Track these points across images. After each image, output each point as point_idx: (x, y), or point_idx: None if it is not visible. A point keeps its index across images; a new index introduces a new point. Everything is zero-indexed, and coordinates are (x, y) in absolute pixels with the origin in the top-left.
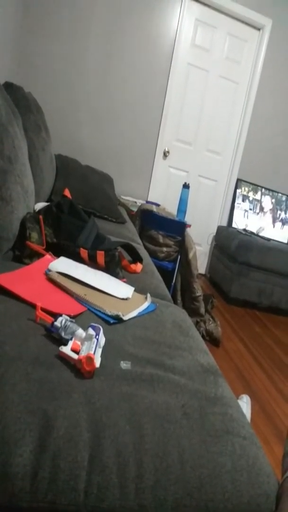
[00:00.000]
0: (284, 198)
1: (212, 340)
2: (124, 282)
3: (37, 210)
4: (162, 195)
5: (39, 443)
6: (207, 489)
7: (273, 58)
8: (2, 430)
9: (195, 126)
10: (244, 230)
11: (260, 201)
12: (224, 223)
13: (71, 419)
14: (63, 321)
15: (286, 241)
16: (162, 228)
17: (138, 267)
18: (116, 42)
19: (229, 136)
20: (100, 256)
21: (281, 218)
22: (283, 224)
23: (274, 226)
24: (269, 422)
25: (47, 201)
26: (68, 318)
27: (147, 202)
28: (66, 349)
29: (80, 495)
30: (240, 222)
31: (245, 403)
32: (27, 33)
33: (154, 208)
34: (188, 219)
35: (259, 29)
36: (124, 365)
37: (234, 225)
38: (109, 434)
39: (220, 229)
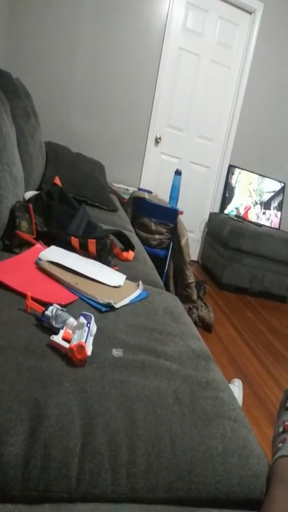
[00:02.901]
0: (272, 183)
1: (204, 326)
2: (116, 270)
3: (26, 198)
4: (154, 182)
5: (31, 432)
6: (198, 472)
7: (265, 42)
8: None
9: (187, 112)
10: (236, 216)
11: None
12: (216, 209)
13: (62, 407)
14: (54, 310)
15: (269, 225)
16: (154, 216)
17: (130, 254)
18: (106, 26)
19: (220, 122)
20: (92, 245)
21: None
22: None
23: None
24: (261, 405)
25: (37, 190)
26: (59, 307)
27: (139, 189)
28: (57, 338)
29: (72, 482)
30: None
31: (236, 387)
32: (15, 17)
33: (146, 195)
34: (180, 206)
35: (250, 13)
36: (116, 352)
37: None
38: (101, 421)
39: (212, 215)
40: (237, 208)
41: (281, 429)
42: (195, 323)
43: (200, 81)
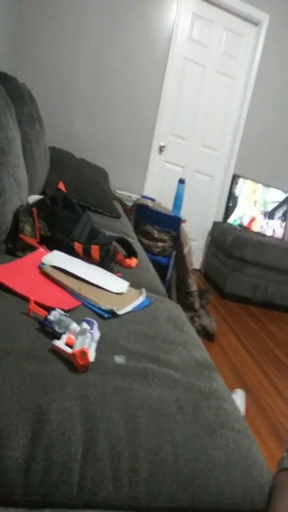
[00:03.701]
0: (276, 193)
1: (206, 335)
2: (119, 276)
3: (30, 202)
4: (158, 190)
5: (32, 436)
6: (200, 482)
7: (270, 54)
8: None
9: (191, 121)
10: (239, 225)
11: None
12: (220, 218)
13: (64, 413)
14: (57, 315)
15: (273, 235)
16: (157, 223)
17: (133, 261)
18: (112, 35)
19: (225, 132)
20: (95, 251)
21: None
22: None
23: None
24: (263, 415)
25: (40, 194)
26: (62, 312)
27: (142, 196)
28: (60, 343)
29: (73, 488)
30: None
31: (239, 397)
32: (22, 23)
33: (149, 203)
34: (183, 214)
35: (256, 24)
36: (119, 359)
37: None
38: (103, 427)
39: (215, 224)
40: (241, 218)
41: None
42: (197, 332)
43: (205, 91)
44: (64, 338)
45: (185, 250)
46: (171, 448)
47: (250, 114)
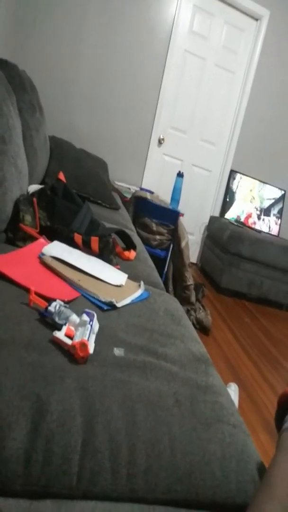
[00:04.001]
0: (272, 190)
1: (202, 328)
2: (118, 268)
3: (30, 192)
4: (156, 183)
5: (33, 427)
6: (197, 475)
7: (270, 49)
8: None
9: (190, 115)
10: (236, 221)
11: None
12: (217, 213)
13: (64, 404)
14: (57, 306)
15: (268, 232)
16: (156, 216)
17: (132, 254)
18: (113, 26)
19: (223, 126)
20: (94, 242)
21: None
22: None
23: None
24: (256, 410)
25: (40, 184)
26: (62, 303)
27: (141, 189)
28: (60, 334)
29: (72, 479)
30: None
31: (233, 391)
32: (23, 11)
33: (148, 196)
34: (181, 208)
35: (256, 20)
36: (118, 351)
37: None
38: (102, 419)
39: (212, 219)
40: (238, 214)
41: None
42: (192, 325)
43: (204, 84)
44: (64, 329)
45: (183, 244)
46: (168, 441)
47: (248, 109)
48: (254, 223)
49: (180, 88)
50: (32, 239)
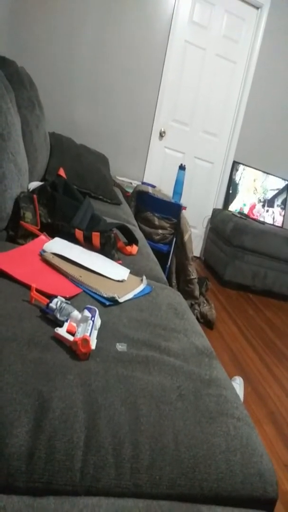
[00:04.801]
0: (276, 181)
1: (206, 322)
2: (120, 264)
3: (31, 189)
4: (158, 177)
5: (35, 423)
6: (201, 469)
7: (271, 38)
8: None
9: (192, 106)
10: (240, 213)
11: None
12: (220, 206)
13: (66, 400)
14: (59, 303)
15: (272, 223)
16: (158, 210)
17: (134, 249)
18: (111, 16)
19: (225, 117)
20: (96, 238)
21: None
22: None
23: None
24: (261, 403)
25: (41, 180)
26: (64, 299)
27: (143, 183)
28: (62, 331)
29: (76, 475)
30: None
31: (238, 385)
32: (21, 7)
33: (150, 190)
34: (183, 201)
35: (257, 8)
36: (120, 347)
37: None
38: (105, 415)
39: (215, 211)
40: (243, 205)
41: None
42: (196, 319)
43: (205, 75)
44: (66, 325)
45: (186, 237)
46: (172, 435)
47: (250, 99)
48: (259, 214)
49: (181, 80)
50: (33, 236)
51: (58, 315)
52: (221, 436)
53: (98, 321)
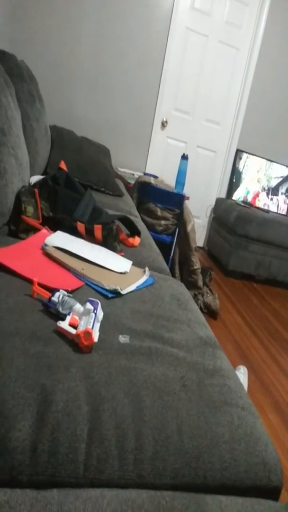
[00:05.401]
0: (280, 168)
1: (210, 312)
2: (122, 256)
3: (32, 183)
4: (160, 167)
5: (38, 417)
6: (205, 459)
7: (274, 22)
8: (0, 405)
9: (194, 95)
10: (243, 202)
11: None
12: (223, 195)
13: (69, 393)
14: (61, 296)
15: (277, 211)
16: (160, 201)
17: (136, 240)
18: (111, 5)
19: (228, 105)
20: (98, 230)
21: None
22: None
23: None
24: (266, 392)
25: (42, 174)
26: (66, 293)
27: (145, 174)
28: (64, 324)
29: (79, 468)
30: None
31: (242, 374)
32: (21, 0)
33: (152, 180)
34: (186, 191)
35: None
36: (123, 339)
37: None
38: (108, 407)
39: (218, 201)
40: (247, 193)
41: None
42: (200, 309)
43: (207, 62)
44: (68, 319)
45: (189, 228)
46: (176, 426)
47: (254, 86)
48: (265, 204)
49: (183, 68)
50: (35, 230)
51: (60, 309)
52: (225, 425)
53: (100, 314)
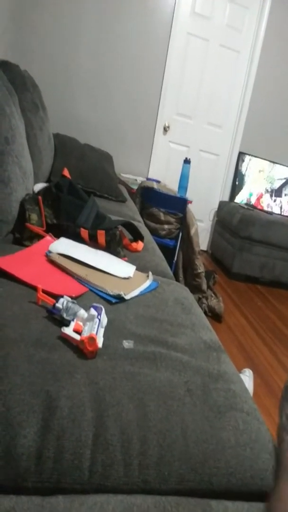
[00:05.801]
0: (283, 170)
1: (214, 316)
2: (125, 261)
3: (36, 191)
4: (163, 172)
5: (43, 423)
6: (210, 464)
7: (275, 25)
8: (6, 412)
9: (195, 99)
10: (246, 204)
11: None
12: (226, 198)
13: (74, 399)
14: (65, 303)
15: (280, 213)
16: (163, 205)
17: (139, 245)
18: (112, 12)
19: (230, 108)
20: (101, 236)
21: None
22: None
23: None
24: (272, 395)
25: (46, 182)
26: (70, 299)
27: (148, 179)
28: (68, 330)
29: (85, 474)
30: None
31: (247, 377)
32: (21, 9)
33: (155, 185)
34: (189, 195)
35: None
36: (127, 344)
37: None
38: (113, 412)
39: (222, 204)
40: (250, 196)
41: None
42: (204, 313)
43: (209, 66)
44: (73, 325)
45: (192, 231)
46: (181, 431)
47: (255, 88)
48: (268, 205)
49: (184, 73)
50: (39, 237)
51: (64, 315)
52: (230, 430)
53: (104, 319)
